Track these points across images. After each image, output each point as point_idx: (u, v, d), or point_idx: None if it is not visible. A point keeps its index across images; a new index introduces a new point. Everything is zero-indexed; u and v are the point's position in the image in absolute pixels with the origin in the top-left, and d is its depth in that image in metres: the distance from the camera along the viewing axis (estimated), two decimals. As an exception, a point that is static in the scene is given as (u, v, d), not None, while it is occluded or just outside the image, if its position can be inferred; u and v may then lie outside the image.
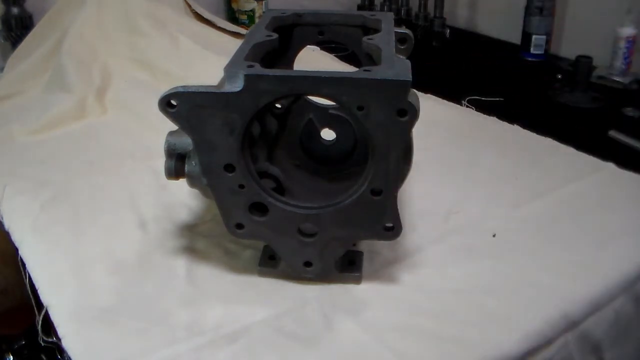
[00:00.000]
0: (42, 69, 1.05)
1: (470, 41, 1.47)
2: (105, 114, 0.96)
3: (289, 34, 0.63)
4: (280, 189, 0.58)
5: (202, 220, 0.67)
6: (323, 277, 0.56)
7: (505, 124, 0.91)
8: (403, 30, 0.60)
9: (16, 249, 0.64)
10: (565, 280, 0.57)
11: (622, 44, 1.12)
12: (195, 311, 0.54)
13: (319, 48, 1.18)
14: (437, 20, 1.41)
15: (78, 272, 0.59)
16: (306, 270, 0.56)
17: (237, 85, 0.47)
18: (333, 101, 0.49)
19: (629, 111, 1.01)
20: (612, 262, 0.59)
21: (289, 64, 0.65)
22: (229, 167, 0.51)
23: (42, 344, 0.55)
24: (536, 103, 1.07)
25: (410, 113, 0.46)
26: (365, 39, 0.55)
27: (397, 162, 0.49)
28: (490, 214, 0.67)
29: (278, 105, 0.65)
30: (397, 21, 1.40)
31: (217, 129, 0.49)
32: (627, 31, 1.11)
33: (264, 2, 1.42)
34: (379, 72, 0.47)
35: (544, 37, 1.27)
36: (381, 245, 0.61)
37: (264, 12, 1.39)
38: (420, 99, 0.48)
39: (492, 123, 0.92)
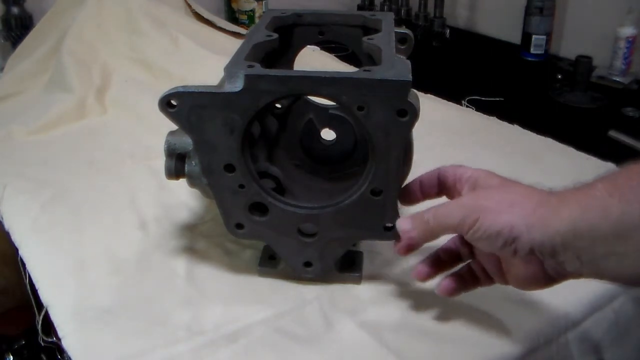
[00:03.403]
0: (42, 69, 1.05)
1: (470, 41, 1.47)
2: (105, 114, 0.96)
3: (289, 34, 0.63)
4: (280, 189, 0.58)
5: (202, 220, 0.67)
6: (323, 277, 0.56)
7: (505, 124, 0.91)
8: (403, 30, 0.60)
9: (16, 249, 0.64)
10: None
11: (622, 44, 1.12)
12: (195, 311, 0.54)
13: (319, 48, 1.18)
14: (437, 20, 1.41)
15: (78, 272, 0.59)
16: (306, 271, 0.56)
17: (237, 85, 0.47)
18: (333, 101, 0.49)
19: (629, 111, 1.01)
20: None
21: (289, 64, 0.65)
22: (229, 167, 0.51)
23: (42, 344, 0.55)
24: (536, 103, 1.07)
25: (411, 113, 0.46)
26: (365, 39, 0.55)
27: (397, 162, 0.49)
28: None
29: (278, 105, 0.65)
30: (397, 21, 1.39)
31: (217, 129, 0.49)
32: (627, 31, 1.12)
33: (264, 2, 1.42)
34: (379, 72, 0.47)
35: (544, 37, 1.27)
36: (381, 245, 0.61)
37: (264, 12, 1.39)
38: (420, 99, 0.48)
39: (492, 123, 0.92)
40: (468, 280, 0.50)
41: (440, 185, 0.50)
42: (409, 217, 0.48)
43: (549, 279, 0.42)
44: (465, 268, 0.50)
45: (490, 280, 0.49)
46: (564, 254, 0.40)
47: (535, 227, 0.40)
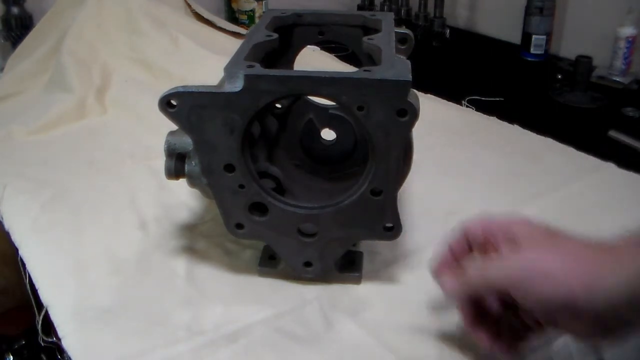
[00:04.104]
0: (42, 69, 1.05)
1: (470, 41, 1.47)
2: (105, 114, 0.96)
3: (289, 34, 0.63)
4: (280, 189, 0.58)
5: (202, 220, 0.67)
6: (323, 277, 0.56)
7: (505, 124, 0.91)
8: (403, 30, 0.60)
9: (16, 249, 0.64)
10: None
11: (622, 44, 1.12)
12: (195, 311, 0.54)
13: (319, 48, 1.18)
14: (437, 20, 1.41)
15: (78, 272, 0.59)
16: (306, 271, 0.56)
17: (237, 85, 0.47)
18: (333, 101, 0.49)
19: (629, 111, 1.01)
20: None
21: (289, 64, 0.65)
22: (229, 167, 0.51)
23: (42, 344, 0.55)
24: (536, 103, 1.07)
25: (410, 113, 0.46)
26: (365, 39, 0.55)
27: (397, 162, 0.49)
28: (490, 214, 0.67)
29: (278, 105, 0.65)
30: (397, 21, 1.39)
31: (217, 129, 0.49)
32: (627, 31, 1.11)
33: (264, 2, 1.42)
34: (379, 72, 0.47)
35: (544, 37, 1.27)
36: (381, 245, 0.61)
37: (264, 12, 1.39)
38: (420, 99, 0.48)
39: (492, 123, 0.92)
40: (520, 333, 0.46)
41: (471, 243, 0.48)
42: (452, 275, 0.46)
43: (611, 333, 0.40)
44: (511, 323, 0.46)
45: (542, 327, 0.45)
46: (628, 314, 0.38)
47: (594, 290, 0.37)
